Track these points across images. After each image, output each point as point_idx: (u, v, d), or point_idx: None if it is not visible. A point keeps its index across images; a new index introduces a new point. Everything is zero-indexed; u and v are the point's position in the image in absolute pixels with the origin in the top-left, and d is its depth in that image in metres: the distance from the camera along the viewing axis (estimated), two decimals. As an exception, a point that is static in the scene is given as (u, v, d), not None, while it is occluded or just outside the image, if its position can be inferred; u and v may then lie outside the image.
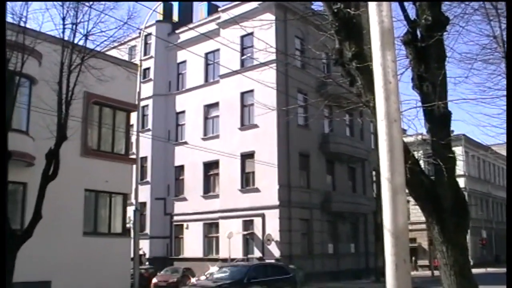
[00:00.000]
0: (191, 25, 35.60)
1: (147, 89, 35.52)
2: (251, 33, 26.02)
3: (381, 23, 3.94)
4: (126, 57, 29.09)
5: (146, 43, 37.23)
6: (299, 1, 24.37)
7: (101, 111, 21.02)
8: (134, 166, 22.28)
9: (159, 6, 36.84)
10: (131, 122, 23.14)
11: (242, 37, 30.64)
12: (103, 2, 12.26)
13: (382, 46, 3.93)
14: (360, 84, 5.99)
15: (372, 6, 4.00)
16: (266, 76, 25.52)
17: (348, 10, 6.22)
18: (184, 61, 36.49)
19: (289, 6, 29.45)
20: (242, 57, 31.36)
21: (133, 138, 25.75)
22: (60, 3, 11.74)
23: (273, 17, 29.58)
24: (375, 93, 3.91)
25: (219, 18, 33.68)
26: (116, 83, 19.41)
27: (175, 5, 40.82)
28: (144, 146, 32.69)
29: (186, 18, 39.78)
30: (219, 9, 34.25)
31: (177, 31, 37.24)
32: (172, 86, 37.16)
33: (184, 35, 35.91)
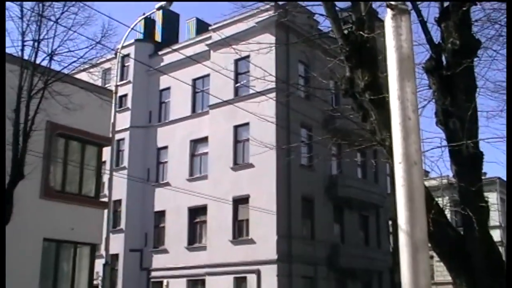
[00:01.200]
0: (176, 46, 35.99)
1: (123, 120, 35.60)
2: (247, 57, 26.24)
3: (400, 49, 3.93)
4: (99, 82, 29.27)
5: (123, 66, 37.54)
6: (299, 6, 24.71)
7: (68, 145, 20.94)
8: (106, 211, 22.06)
9: (139, 23, 37.25)
10: (104, 159, 23.02)
11: (237, 61, 30.95)
12: (71, 16, 12.30)
13: (400, 76, 3.91)
14: (374, 119, 5.96)
15: (389, 28, 3.99)
16: (264, 108, 25.58)
17: (361, 32, 6.25)
18: (168, 88, 36.74)
19: (292, 26, 29.82)
20: (236, 85, 31.59)
21: (105, 178, 25.57)
22: (19, 15, 11.68)
23: (273, 39, 29.91)
24: (391, 130, 3.88)
25: (209, 38, 34.11)
26: (86, 112, 19.39)
27: (158, 22, 41.39)
28: (118, 187, 32.48)
29: (171, 37, 40.30)
30: (210, 28, 34.72)
31: (160, 53, 37.63)
32: (153, 116, 37.27)
33: (168, 57, 36.27)
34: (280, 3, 22.84)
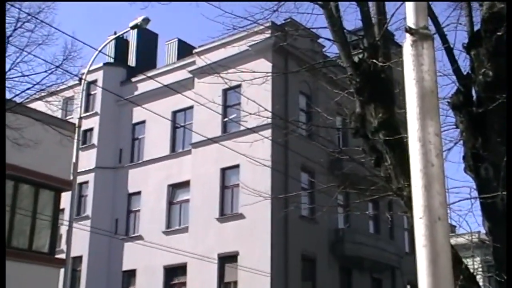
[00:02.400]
0: (153, 72, 36.24)
1: (87, 159, 35.54)
2: (238, 87, 26.40)
3: (421, 81, 3.95)
4: (58, 114, 29.30)
5: (88, 95, 37.69)
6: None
7: (17, 188, 20.82)
8: (62, 270, 21.79)
9: (110, 44, 37.56)
10: (62, 206, 22.87)
11: (225, 91, 31.14)
12: (26, 34, 12.34)
13: (421, 113, 3.92)
14: (390, 164, 5.98)
15: (408, 56, 4.01)
16: (257, 148, 25.58)
17: (374, 60, 6.31)
18: (142, 122, 36.84)
19: (292, 50, 30.14)
20: (225, 120, 31.72)
21: (63, 230, 25.35)
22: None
23: (270, 66, 30.23)
24: (410, 178, 3.86)
25: (193, 63, 34.37)
26: (42, 149, 19.34)
27: (133, 43, 41.71)
28: (79, 241, 32.19)
29: (148, 61, 40.62)
30: (194, 51, 34.99)
31: (133, 79, 37.86)
32: (124, 156, 37.25)
33: (144, 85, 36.47)
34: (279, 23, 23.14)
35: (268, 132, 26.60)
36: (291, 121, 27.58)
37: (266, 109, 15.13)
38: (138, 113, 36.37)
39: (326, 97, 26.50)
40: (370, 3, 9.18)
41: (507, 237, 6.09)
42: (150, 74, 34.68)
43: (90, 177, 36.55)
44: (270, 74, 24.63)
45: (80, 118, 24.52)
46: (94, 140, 37.53)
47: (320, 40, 26.71)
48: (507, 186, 9.01)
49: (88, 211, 35.99)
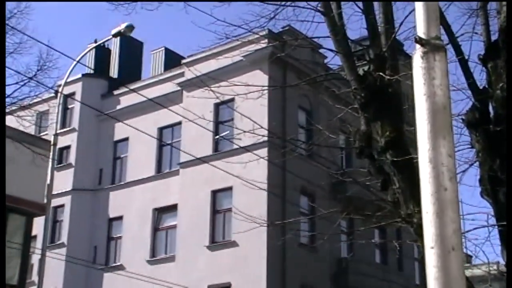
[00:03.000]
0: (138, 84, 36.23)
1: (64, 181, 35.42)
2: (231, 101, 26.48)
3: (432, 97, 3.96)
4: (32, 129, 29.28)
5: (65, 109, 37.68)
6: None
7: (-14, 213, 20.71)
8: (34, 304, 21.64)
9: (90, 53, 37.60)
10: (34, 233, 22.74)
11: (217, 106, 31.19)
12: None
13: (433, 132, 3.93)
14: (398, 187, 5.98)
15: (418, 69, 4.03)
16: (252, 169, 25.59)
17: (381, 73, 6.33)
18: (125, 139, 36.78)
19: (291, 61, 30.19)
20: (216, 137, 31.69)
21: (35, 259, 25.19)
22: None
23: (266, 78, 30.29)
24: (421, 203, 3.86)
25: (181, 75, 34.40)
26: (12, 169, 19.26)
27: (115, 52, 41.71)
28: (53, 271, 32.01)
29: (131, 72, 40.66)
30: (183, 62, 35.06)
31: (116, 92, 37.85)
32: (105, 177, 37.15)
33: (127, 98, 36.48)
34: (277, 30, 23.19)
35: (264, 152, 26.58)
36: (289, 140, 27.57)
37: (261, 127, 15.06)
38: (120, 130, 36.32)
39: (328, 113, 26.46)
40: (377, 11, 9.23)
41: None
42: (134, 86, 34.66)
43: (66, 200, 36.42)
44: (266, 87, 24.79)
45: (56, 135, 24.43)
46: (71, 159, 37.44)
47: (321, 51, 26.81)
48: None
49: (64, 238, 35.82)
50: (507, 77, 7.04)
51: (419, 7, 4.16)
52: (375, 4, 9.65)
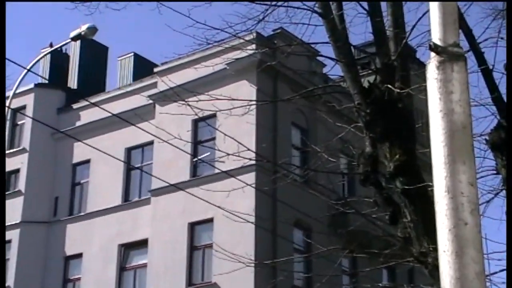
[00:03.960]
0: (102, 97, 36.20)
1: (11, 211, 35.24)
2: (212, 117, 26.49)
3: (450, 114, 3.96)
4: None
5: (14, 125, 37.50)
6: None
7: None
8: None
9: (44, 60, 37.54)
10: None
11: (196, 122, 31.17)
12: None
13: (450, 156, 3.93)
14: (410, 221, 5.97)
15: (433, 82, 4.02)
16: (236, 197, 25.51)
17: (389, 86, 6.34)
18: (87, 162, 36.67)
19: (282, 70, 30.26)
20: (195, 160, 31.65)
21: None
22: None
23: (253, 91, 30.18)
24: (437, 240, 3.84)
25: (154, 86, 34.31)
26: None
27: (74, 58, 41.59)
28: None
29: (94, 82, 40.59)
30: (156, 70, 35.01)
31: (75, 106, 37.73)
32: (61, 206, 36.99)
33: (89, 113, 36.38)
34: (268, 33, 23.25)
35: (251, 177, 26.56)
36: (281, 163, 27.55)
37: (248, 148, 15.02)
38: (80, 151, 36.20)
39: (327, 132, 26.42)
40: (385, 12, 9.26)
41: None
42: (97, 99, 34.64)
43: (14, 234, 36.19)
44: (254, 102, 24.77)
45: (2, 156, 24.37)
46: (21, 185, 37.24)
47: (319, 58, 26.91)
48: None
49: (10, 281, 35.56)
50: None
51: (434, 7, 4.16)
52: (383, 4, 9.68)
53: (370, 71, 8.27)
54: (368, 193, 7.27)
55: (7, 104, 24.96)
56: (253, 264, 24.85)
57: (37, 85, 38.49)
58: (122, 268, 34.26)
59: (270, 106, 30.41)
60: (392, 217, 6.42)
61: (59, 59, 40.77)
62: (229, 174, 22.90)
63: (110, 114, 30.59)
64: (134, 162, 34.80)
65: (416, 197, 5.95)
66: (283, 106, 30.19)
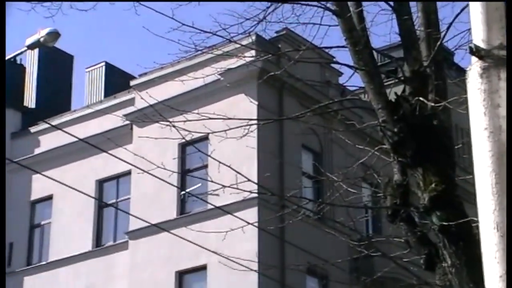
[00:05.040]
0: (66, 117, 36.21)
1: (-43, 261, 35.24)
2: (204, 140, 26.53)
3: (497, 133, 3.96)
4: None
5: (-39, 155, 37.54)
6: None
7: None
8: None
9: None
10: None
11: (183, 147, 31.17)
12: None
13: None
14: (451, 265, 5.96)
15: (475, 92, 4.02)
16: (235, 240, 25.52)
17: (422, 99, 6.35)
18: (48, 198, 36.65)
19: (289, 82, 30.30)
20: (182, 194, 31.64)
21: None
22: None
23: (254, 107, 30.19)
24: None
25: (131, 103, 34.31)
26: None
27: (31, 69, 41.47)
28: None
29: (57, 100, 40.47)
30: (132, 84, 34.98)
31: (33, 129, 37.73)
32: (17, 254, 36.97)
33: (50, 138, 36.37)
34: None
35: (253, 214, 26.58)
36: (289, 196, 27.50)
37: (249, 179, 14.98)
38: (40, 185, 36.20)
39: (346, 155, 26.47)
40: (414, 8, 9.29)
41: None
42: (60, 121, 34.71)
43: (-38, 290, 36.23)
44: (255, 120, 24.80)
45: None
46: (-31, 229, 37.31)
47: (333, 66, 26.93)
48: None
49: None
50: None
51: (475, 2, 4.16)
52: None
53: (397, 81, 8.27)
54: (398, 231, 7.25)
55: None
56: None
57: (-11, 105, 38.50)
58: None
59: (275, 126, 30.40)
60: (428, 261, 6.40)
61: (12, 71, 40.64)
62: (225, 210, 22.94)
63: (76, 139, 30.69)
64: (108, 198, 34.79)
65: (458, 235, 5.93)
66: (291, 125, 30.10)
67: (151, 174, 24.20)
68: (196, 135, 19.15)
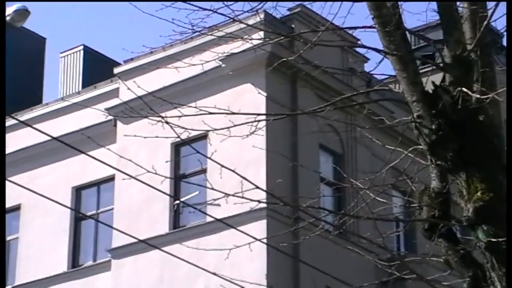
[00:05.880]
0: (37, 111, 36.27)
1: None
2: (202, 138, 26.61)
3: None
4: None
5: None
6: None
7: None
8: None
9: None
10: None
11: (177, 147, 31.22)
12: None
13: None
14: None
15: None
16: (240, 258, 25.58)
17: (466, 90, 6.36)
18: (15, 209, 36.77)
19: (304, 69, 30.22)
20: (176, 203, 31.69)
21: None
22: None
23: (263, 98, 30.20)
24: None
25: (114, 94, 34.32)
26: None
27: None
28: None
29: (26, 91, 40.54)
30: (117, 71, 34.96)
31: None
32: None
33: (18, 137, 36.40)
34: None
35: (261, 228, 26.66)
36: (304, 207, 27.44)
37: (256, 186, 14.89)
38: (6, 193, 36.28)
39: (372, 157, 26.50)
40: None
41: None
42: (30, 116, 34.80)
43: None
44: (263, 115, 24.77)
45: None
46: None
47: (357, 50, 26.93)
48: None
49: None
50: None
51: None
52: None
53: (435, 68, 8.27)
54: (436, 249, 7.28)
55: None
56: None
57: None
58: None
59: (287, 122, 30.38)
60: (473, 285, 6.42)
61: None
62: (228, 224, 22.93)
63: (49, 138, 30.70)
64: (86, 209, 34.88)
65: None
66: (306, 121, 30.10)
67: (139, 180, 24.31)
68: (193, 133, 19.15)
